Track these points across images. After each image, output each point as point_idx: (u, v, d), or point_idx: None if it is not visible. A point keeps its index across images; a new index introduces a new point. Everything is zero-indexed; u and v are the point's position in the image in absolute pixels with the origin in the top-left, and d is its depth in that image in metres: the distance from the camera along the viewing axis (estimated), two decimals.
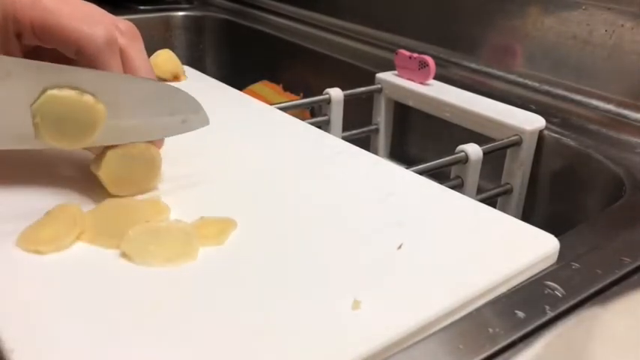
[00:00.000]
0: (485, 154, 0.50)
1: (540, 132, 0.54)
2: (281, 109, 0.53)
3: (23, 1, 0.33)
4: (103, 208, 0.34)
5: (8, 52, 0.35)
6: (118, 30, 0.35)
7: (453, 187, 0.40)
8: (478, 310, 0.29)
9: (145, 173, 0.36)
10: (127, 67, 0.36)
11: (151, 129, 0.35)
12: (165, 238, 0.31)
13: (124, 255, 0.30)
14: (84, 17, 0.34)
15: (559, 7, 0.59)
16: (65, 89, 0.32)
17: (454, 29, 0.70)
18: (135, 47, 0.36)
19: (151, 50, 0.44)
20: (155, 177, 0.37)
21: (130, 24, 0.37)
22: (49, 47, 0.35)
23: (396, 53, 0.63)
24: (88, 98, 0.32)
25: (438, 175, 0.49)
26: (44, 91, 0.32)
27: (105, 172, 0.34)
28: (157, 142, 0.37)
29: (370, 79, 0.66)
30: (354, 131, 0.65)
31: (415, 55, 0.61)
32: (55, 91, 0.32)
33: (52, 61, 0.33)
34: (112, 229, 0.32)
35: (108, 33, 0.34)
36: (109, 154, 0.34)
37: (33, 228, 0.31)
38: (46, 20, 0.33)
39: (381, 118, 0.67)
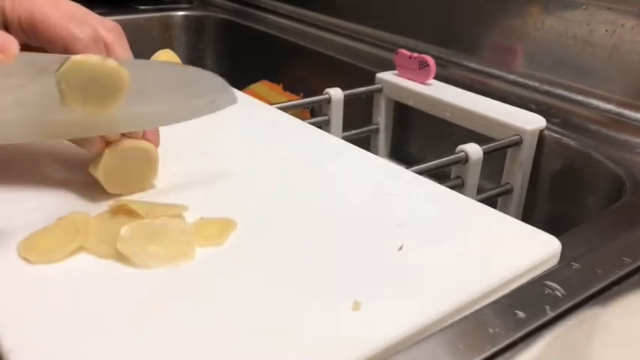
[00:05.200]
0: (485, 154, 0.50)
1: (540, 132, 0.54)
2: (281, 109, 0.53)
3: None
4: (106, 216, 0.33)
5: None
6: (104, 28, 0.35)
7: (453, 187, 0.40)
8: (478, 310, 0.29)
9: (142, 171, 0.36)
10: None
11: (181, 112, 0.36)
12: (162, 237, 0.31)
13: (121, 256, 0.30)
14: (70, 16, 0.34)
15: (559, 7, 0.59)
16: (89, 55, 0.32)
17: (454, 29, 0.70)
18: (120, 44, 0.36)
19: (151, 50, 0.44)
20: (152, 175, 0.37)
21: (115, 23, 0.37)
22: (35, 45, 0.35)
23: (396, 53, 0.63)
24: (112, 62, 0.32)
25: (438, 175, 0.49)
26: (68, 57, 0.32)
27: (102, 172, 0.35)
28: (153, 139, 0.37)
29: (370, 79, 0.66)
30: (354, 131, 0.65)
31: (415, 54, 0.61)
32: (79, 57, 0.32)
33: None
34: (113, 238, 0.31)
35: (93, 31, 0.34)
36: (106, 153, 0.34)
37: (35, 235, 0.31)
38: (33, 18, 0.34)
39: (381, 118, 0.67)
